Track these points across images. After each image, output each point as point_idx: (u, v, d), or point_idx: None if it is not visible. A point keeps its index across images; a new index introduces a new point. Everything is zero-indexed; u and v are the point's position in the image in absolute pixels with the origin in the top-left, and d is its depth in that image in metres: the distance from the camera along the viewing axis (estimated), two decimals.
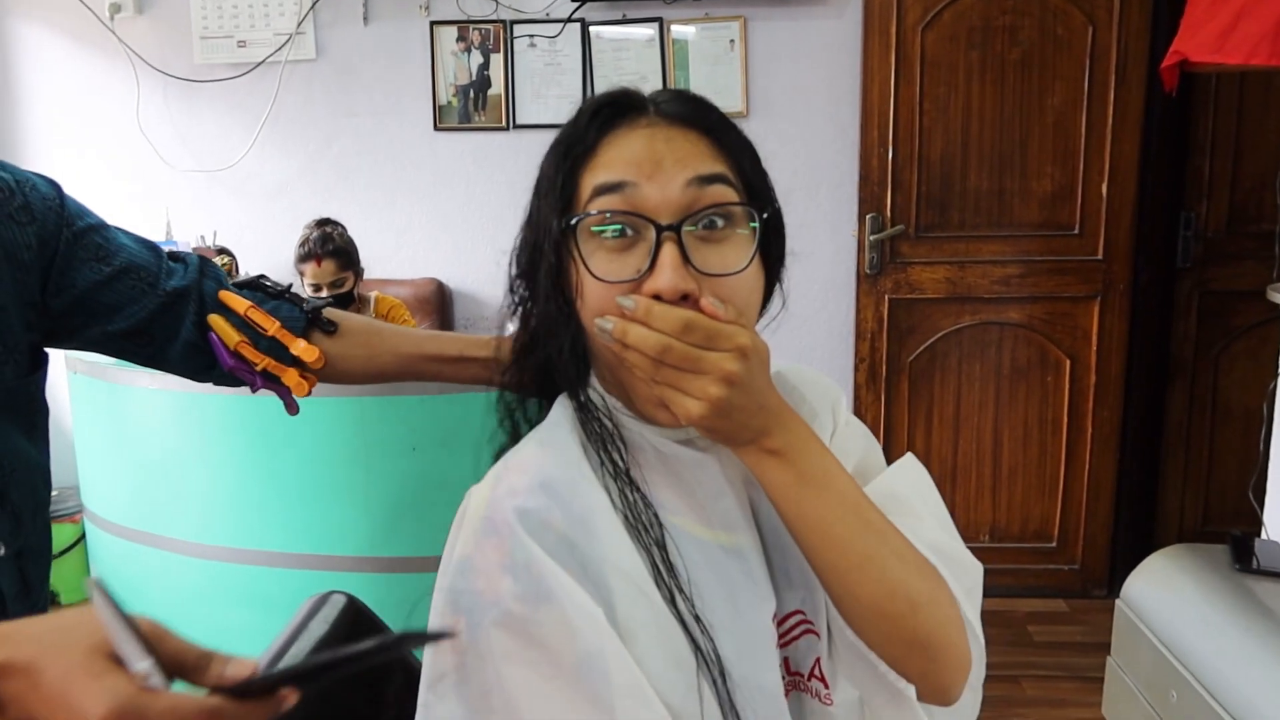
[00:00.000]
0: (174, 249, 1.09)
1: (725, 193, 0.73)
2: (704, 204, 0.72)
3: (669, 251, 0.70)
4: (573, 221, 0.74)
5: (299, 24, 3.15)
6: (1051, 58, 2.89)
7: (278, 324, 1.04)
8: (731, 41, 3.05)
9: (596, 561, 0.72)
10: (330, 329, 1.07)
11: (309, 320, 1.07)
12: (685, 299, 0.69)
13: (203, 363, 1.07)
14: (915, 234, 3.00)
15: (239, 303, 1.05)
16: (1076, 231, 2.96)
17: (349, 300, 2.71)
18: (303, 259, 2.66)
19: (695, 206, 0.72)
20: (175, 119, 3.26)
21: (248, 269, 3.19)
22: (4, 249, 0.94)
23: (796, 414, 0.75)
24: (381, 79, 3.17)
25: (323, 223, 2.72)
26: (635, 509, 0.75)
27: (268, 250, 3.27)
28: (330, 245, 2.65)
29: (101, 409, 2.44)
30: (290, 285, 1.12)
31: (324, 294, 2.64)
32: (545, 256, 0.76)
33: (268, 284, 1.10)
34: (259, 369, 1.04)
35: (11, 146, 3.33)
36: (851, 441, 0.87)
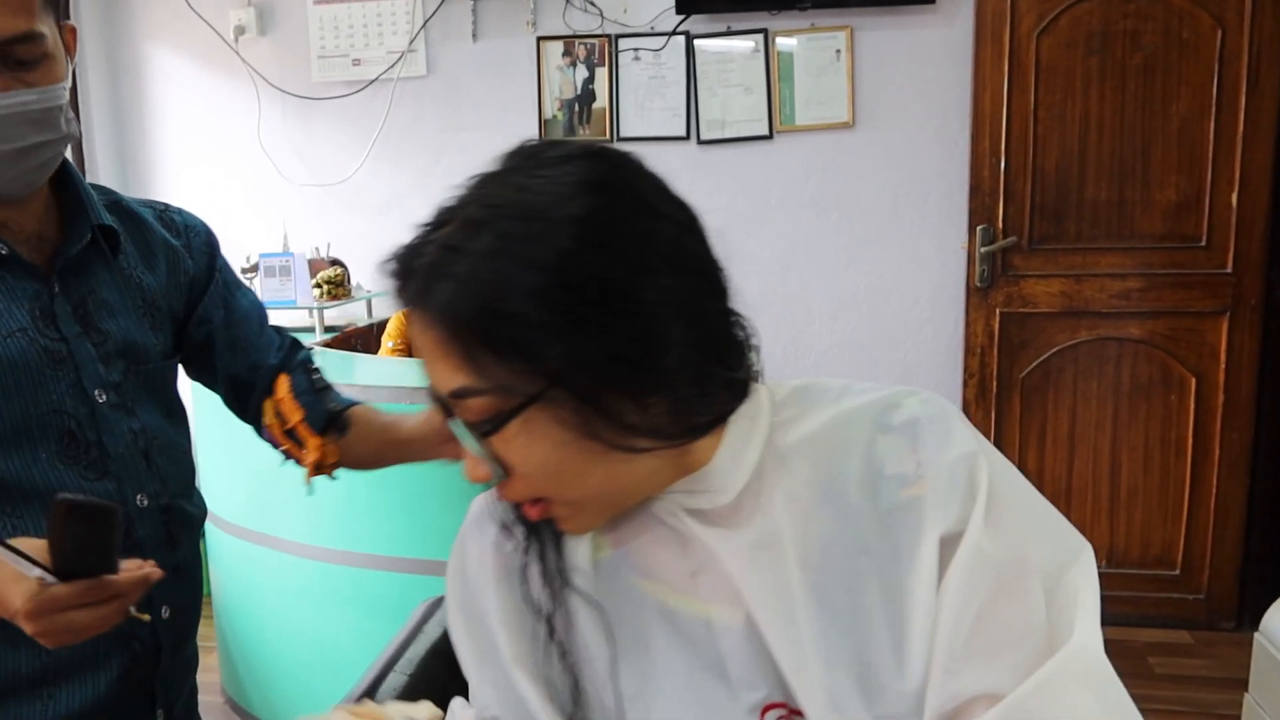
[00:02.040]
0: (277, 326, 1.25)
1: (475, 407, 0.65)
2: (464, 416, 0.67)
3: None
4: None
5: (410, 42, 3.23)
6: (1176, 63, 2.77)
7: (300, 417, 1.14)
8: (838, 52, 3.02)
9: (484, 616, 0.79)
10: (342, 430, 1.17)
11: (329, 418, 1.17)
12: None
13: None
14: (1029, 246, 2.90)
15: (283, 388, 1.16)
16: (1203, 244, 2.81)
17: None
18: None
19: (458, 414, 0.68)
20: (293, 135, 3.38)
21: (359, 280, 3.29)
22: (169, 261, 1.13)
23: None
24: (489, 94, 3.23)
25: None
26: (548, 573, 0.76)
27: (378, 261, 3.36)
28: None
29: (221, 413, 2.52)
30: (327, 386, 1.22)
31: None
32: None
33: (316, 376, 1.21)
34: (282, 448, 1.16)
35: (144, 162, 3.51)
36: (979, 576, 0.65)
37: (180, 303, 1.14)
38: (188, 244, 1.16)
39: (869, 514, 0.68)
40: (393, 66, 3.26)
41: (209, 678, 2.89)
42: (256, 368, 1.18)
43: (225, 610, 2.68)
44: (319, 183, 3.38)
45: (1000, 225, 2.89)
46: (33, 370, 0.96)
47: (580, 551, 0.76)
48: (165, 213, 1.16)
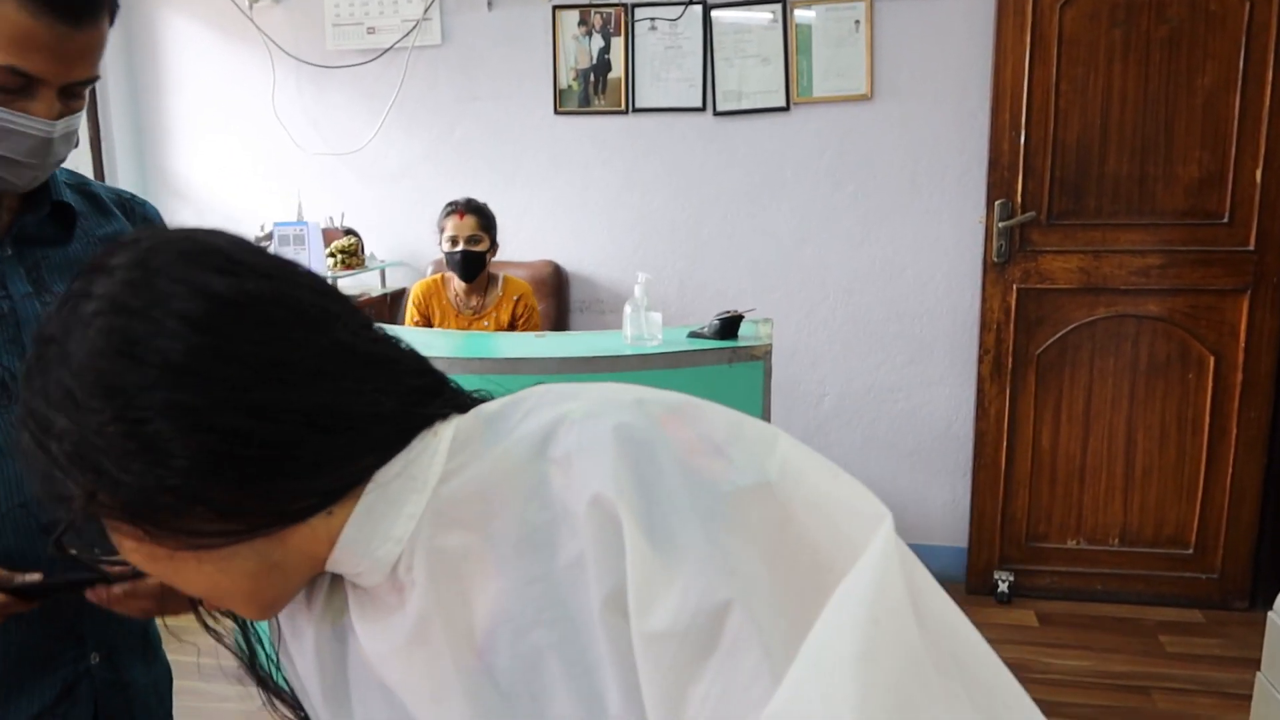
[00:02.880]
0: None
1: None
2: None
3: None
4: None
5: (425, 10, 3.21)
6: (1203, 35, 2.71)
7: None
8: (856, 23, 2.98)
9: None
10: None
11: None
12: None
13: None
14: (1047, 221, 2.87)
15: None
16: (1225, 220, 2.78)
17: (480, 265, 2.84)
18: (446, 214, 2.84)
19: None
20: (307, 104, 3.37)
21: (372, 249, 3.29)
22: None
23: None
24: (504, 63, 3.21)
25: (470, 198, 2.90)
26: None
27: (391, 231, 3.36)
28: (475, 204, 2.85)
29: None
30: None
31: (459, 248, 2.78)
32: None
33: None
34: None
35: (161, 130, 3.51)
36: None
37: None
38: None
39: (537, 577, 0.55)
40: (407, 35, 3.23)
41: None
42: None
43: None
44: (333, 152, 3.37)
45: (1019, 200, 2.86)
46: None
47: (316, 606, 0.68)
48: (129, 202, 1.25)
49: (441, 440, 0.60)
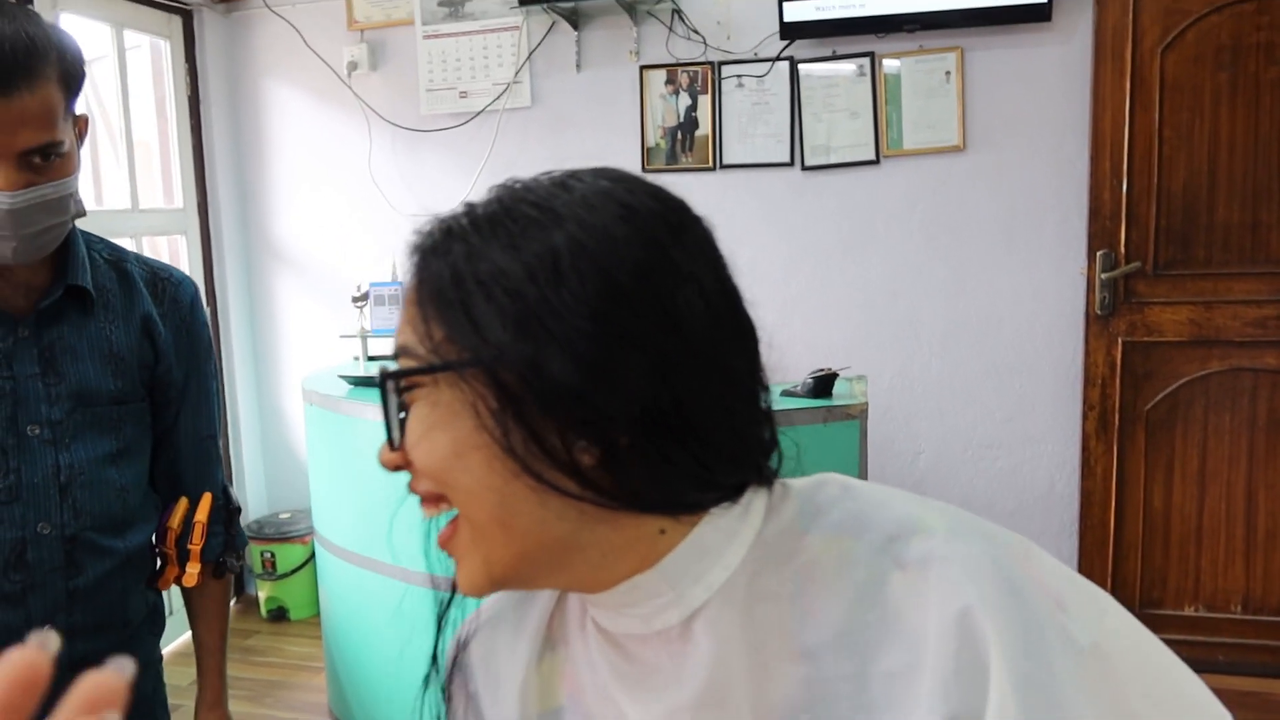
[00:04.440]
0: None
1: (403, 365, 0.59)
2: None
3: None
4: None
5: (516, 74, 3.28)
6: None
7: (199, 547, 1.30)
8: (947, 73, 2.94)
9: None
10: (220, 574, 1.36)
11: (222, 561, 1.35)
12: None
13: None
14: (1153, 271, 2.76)
15: (205, 506, 1.32)
16: None
17: None
18: None
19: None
20: (402, 166, 3.47)
21: None
22: (143, 321, 1.26)
23: None
24: (592, 123, 3.26)
25: None
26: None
27: None
28: None
29: (333, 439, 2.59)
30: (242, 545, 1.40)
31: None
32: None
33: (236, 509, 1.39)
34: (159, 549, 1.30)
35: (262, 192, 3.65)
36: None
37: (149, 356, 1.27)
38: (165, 314, 1.29)
39: (848, 676, 0.53)
40: (498, 98, 3.31)
41: (315, 698, 2.95)
42: (203, 460, 1.35)
43: (333, 632, 2.73)
44: (426, 212, 3.42)
45: (1122, 250, 2.76)
46: None
47: (515, 699, 0.65)
48: (164, 281, 1.30)
49: (758, 497, 0.59)
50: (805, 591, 0.55)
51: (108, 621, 1.23)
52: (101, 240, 1.28)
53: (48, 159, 1.05)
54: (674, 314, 0.54)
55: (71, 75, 1.06)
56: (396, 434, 0.57)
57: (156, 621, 1.33)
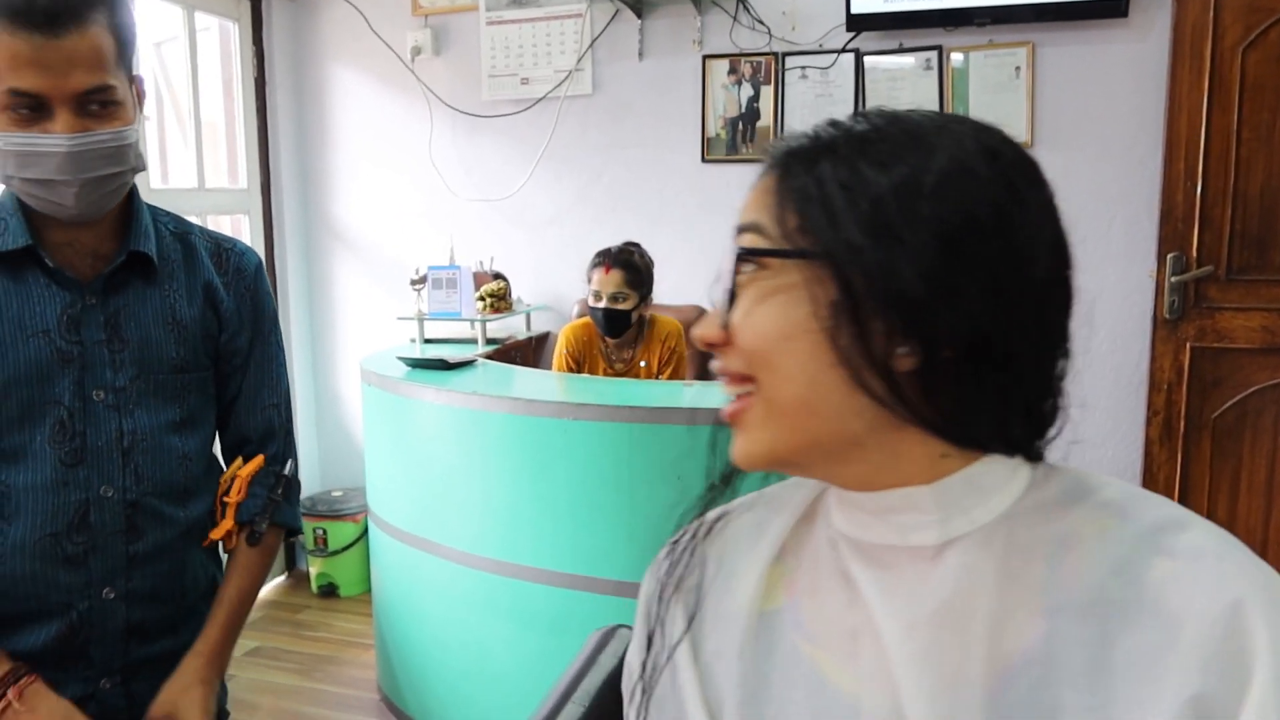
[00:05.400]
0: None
1: (749, 243, 0.64)
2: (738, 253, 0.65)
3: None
4: None
5: (578, 61, 3.28)
6: None
7: (236, 502, 1.30)
8: (1017, 69, 2.88)
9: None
10: (253, 540, 1.32)
11: (254, 522, 1.32)
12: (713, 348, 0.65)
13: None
14: (1226, 276, 2.69)
15: (252, 466, 1.33)
16: None
17: (624, 324, 2.69)
18: (594, 265, 2.70)
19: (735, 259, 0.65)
20: (462, 152, 3.49)
21: (518, 293, 3.35)
22: (206, 293, 1.28)
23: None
24: (652, 112, 3.25)
25: (629, 242, 2.77)
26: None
27: (537, 275, 3.43)
28: (624, 257, 2.68)
29: (389, 419, 2.62)
30: (283, 497, 1.36)
31: (602, 304, 2.66)
32: None
33: (281, 483, 1.36)
34: (220, 496, 1.32)
35: (324, 175, 3.69)
36: None
37: (213, 326, 1.29)
38: (229, 283, 1.31)
39: (1087, 642, 0.56)
40: (560, 85, 3.31)
41: (364, 674, 2.99)
42: (266, 429, 1.36)
43: (384, 611, 2.76)
44: (485, 198, 3.47)
45: (1194, 254, 2.69)
46: (43, 366, 1.15)
47: (746, 594, 0.69)
48: (228, 251, 1.32)
49: (1024, 465, 0.63)
50: (1061, 557, 0.58)
51: (165, 589, 1.25)
52: (167, 214, 1.30)
53: (105, 106, 1.09)
54: (1017, 255, 0.59)
55: (123, 26, 1.10)
56: (745, 307, 0.62)
57: (214, 596, 1.33)
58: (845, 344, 0.58)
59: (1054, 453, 0.67)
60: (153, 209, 1.27)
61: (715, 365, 0.65)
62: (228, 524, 1.30)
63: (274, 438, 1.37)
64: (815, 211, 0.60)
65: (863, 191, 0.59)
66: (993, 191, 0.59)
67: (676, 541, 0.78)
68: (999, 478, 0.62)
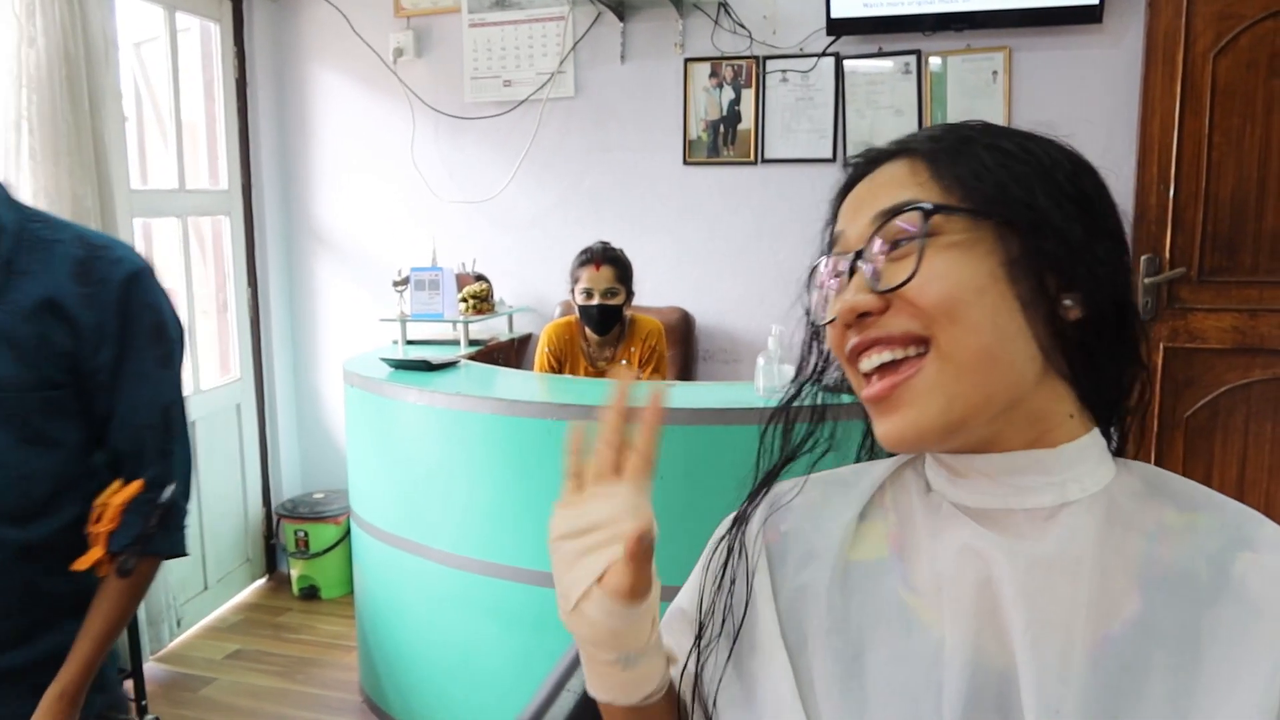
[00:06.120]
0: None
1: (914, 217, 0.68)
2: (891, 234, 0.69)
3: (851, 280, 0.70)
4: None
5: (560, 63, 3.30)
6: None
7: (106, 531, 1.22)
8: (994, 73, 2.93)
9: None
10: (123, 572, 1.24)
11: (123, 554, 1.23)
12: (865, 317, 0.69)
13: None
14: (1198, 278, 2.74)
15: (128, 493, 1.24)
16: None
17: (616, 319, 2.73)
18: (581, 264, 2.73)
19: (880, 235, 0.69)
20: (445, 153, 3.49)
21: (500, 295, 3.36)
22: (56, 305, 1.19)
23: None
24: (635, 115, 3.27)
25: (605, 242, 2.81)
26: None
27: (519, 277, 3.44)
28: (611, 254, 2.74)
29: (372, 421, 2.62)
30: (158, 526, 1.27)
31: (594, 302, 2.69)
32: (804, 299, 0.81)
33: (156, 512, 1.26)
34: (90, 524, 1.23)
35: (305, 176, 3.69)
36: None
37: (66, 343, 1.20)
38: (90, 295, 1.20)
39: (1180, 610, 0.62)
40: (542, 87, 3.33)
41: (347, 676, 2.99)
42: (139, 450, 1.26)
43: (367, 612, 2.76)
44: (467, 199, 3.48)
45: (1167, 255, 2.74)
46: None
47: (835, 543, 0.73)
48: (98, 260, 1.21)
49: (1108, 455, 0.71)
50: (1158, 539, 0.65)
51: (6, 606, 1.20)
52: (44, 219, 1.23)
53: None
54: (1119, 233, 0.70)
55: None
56: (883, 294, 0.67)
57: (87, 605, 1.25)
58: (1026, 294, 0.65)
59: None
60: (29, 214, 1.22)
61: (863, 337, 0.68)
62: (96, 553, 1.22)
63: (149, 460, 1.27)
64: (998, 178, 0.67)
65: (1031, 166, 0.68)
66: (1094, 179, 0.70)
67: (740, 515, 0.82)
68: (1101, 452, 0.69)
